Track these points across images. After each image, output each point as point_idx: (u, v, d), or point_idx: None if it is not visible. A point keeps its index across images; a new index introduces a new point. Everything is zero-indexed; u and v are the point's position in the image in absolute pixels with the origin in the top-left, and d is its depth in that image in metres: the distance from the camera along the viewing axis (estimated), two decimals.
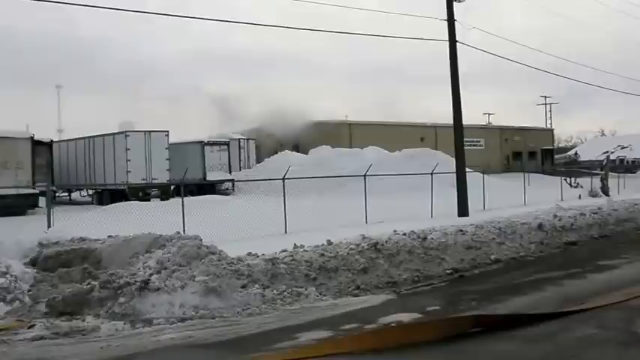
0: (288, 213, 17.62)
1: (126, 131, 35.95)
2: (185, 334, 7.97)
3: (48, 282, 9.90)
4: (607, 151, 72.07)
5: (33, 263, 10.83)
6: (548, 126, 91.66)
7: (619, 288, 10.09)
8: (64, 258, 10.85)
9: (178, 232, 12.06)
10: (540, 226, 16.63)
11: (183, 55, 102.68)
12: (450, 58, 22.39)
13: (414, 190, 25.63)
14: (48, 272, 10.30)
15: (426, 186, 23.47)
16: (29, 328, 8.29)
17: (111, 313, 8.89)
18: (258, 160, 47.69)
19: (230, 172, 41.55)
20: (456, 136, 23.12)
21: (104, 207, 27.09)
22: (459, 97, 22.64)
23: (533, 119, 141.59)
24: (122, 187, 34.58)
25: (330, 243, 12.33)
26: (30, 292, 9.51)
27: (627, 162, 74.13)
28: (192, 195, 29.16)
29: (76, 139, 40.24)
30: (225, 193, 39.44)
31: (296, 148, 51.89)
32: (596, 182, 34.92)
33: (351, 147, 48.94)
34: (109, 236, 11.99)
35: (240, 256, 10.87)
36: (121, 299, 9.11)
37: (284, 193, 18.65)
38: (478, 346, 7.09)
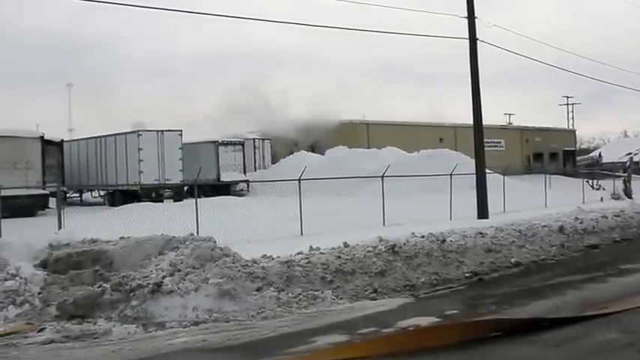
0: (304, 214, 17.45)
1: (138, 130, 35.77)
2: (199, 338, 7.89)
3: (58, 284, 9.80)
4: (630, 153, 71.10)
5: (43, 265, 10.73)
6: (570, 127, 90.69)
7: None
8: (75, 260, 10.73)
9: (192, 234, 11.92)
10: (561, 229, 16.36)
11: (189, 54, 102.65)
12: (470, 57, 22.08)
13: (433, 192, 25.40)
14: (58, 274, 10.19)
15: (445, 187, 23.21)
16: (39, 331, 8.21)
17: (123, 316, 8.82)
18: (274, 161, 47.46)
19: (245, 173, 41.40)
20: (476, 137, 22.82)
21: (116, 208, 27.11)
22: (479, 97, 22.34)
23: (554, 120, 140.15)
24: (134, 188, 34.14)
25: (346, 245, 12.17)
26: (40, 295, 9.42)
27: None
28: (206, 196, 29.08)
29: (87, 138, 39.92)
30: (239, 194, 39.41)
31: (312, 148, 51.65)
32: (619, 184, 34.44)
33: (368, 147, 48.70)
34: (121, 238, 11.84)
35: (255, 259, 10.73)
36: (134, 302, 9.05)
37: (300, 194, 18.50)
38: (498, 350, 6.99)
